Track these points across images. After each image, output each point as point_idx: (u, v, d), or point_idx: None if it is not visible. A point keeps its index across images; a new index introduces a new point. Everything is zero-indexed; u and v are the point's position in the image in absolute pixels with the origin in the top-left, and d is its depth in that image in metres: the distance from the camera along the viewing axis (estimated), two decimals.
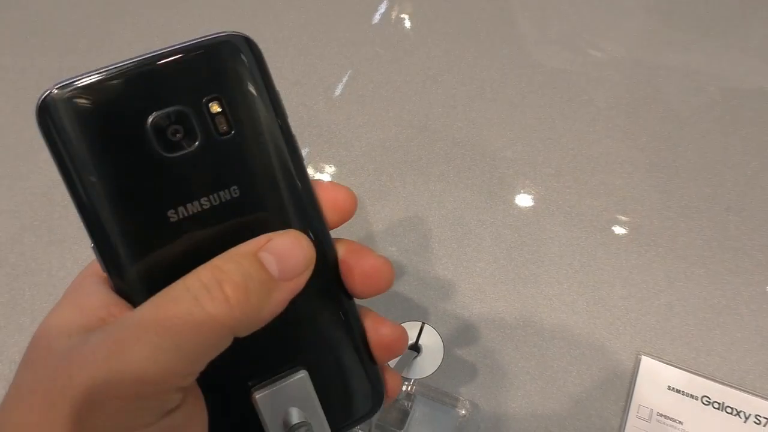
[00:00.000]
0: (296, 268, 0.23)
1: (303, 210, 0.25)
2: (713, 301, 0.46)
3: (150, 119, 0.22)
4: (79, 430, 0.18)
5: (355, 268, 0.26)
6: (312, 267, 0.24)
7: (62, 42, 0.66)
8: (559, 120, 0.57)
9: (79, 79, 0.21)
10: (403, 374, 0.41)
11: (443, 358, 0.39)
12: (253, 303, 0.21)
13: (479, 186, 0.53)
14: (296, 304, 0.25)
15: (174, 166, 0.23)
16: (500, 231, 0.50)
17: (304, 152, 0.53)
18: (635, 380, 0.43)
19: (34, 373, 0.20)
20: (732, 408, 0.41)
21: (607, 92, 0.60)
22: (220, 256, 0.22)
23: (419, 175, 0.53)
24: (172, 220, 0.23)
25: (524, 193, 0.52)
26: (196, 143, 0.23)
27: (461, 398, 0.40)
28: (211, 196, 0.23)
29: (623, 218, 0.51)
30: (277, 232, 0.24)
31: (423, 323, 0.40)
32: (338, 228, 0.27)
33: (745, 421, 0.41)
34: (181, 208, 0.23)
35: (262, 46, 0.23)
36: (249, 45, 0.23)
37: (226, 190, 0.23)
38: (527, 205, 0.52)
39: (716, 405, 0.41)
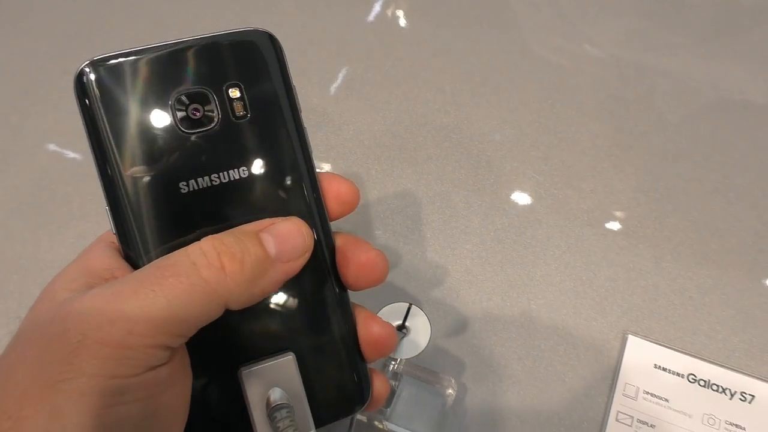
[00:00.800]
0: (294, 252, 0.24)
1: (307, 198, 0.26)
2: (699, 280, 0.46)
3: (174, 96, 0.24)
4: (68, 371, 0.19)
5: (351, 259, 0.27)
6: (309, 253, 0.25)
7: (62, 42, 0.66)
8: (547, 104, 0.57)
9: (114, 55, 0.24)
10: (390, 354, 0.41)
11: (430, 338, 0.39)
12: (247, 277, 0.22)
13: (467, 169, 0.53)
14: (291, 289, 0.27)
15: (192, 142, 0.25)
16: (488, 213, 0.50)
17: None
18: (622, 359, 0.43)
19: (35, 319, 0.22)
20: (718, 385, 0.41)
21: (596, 77, 0.60)
22: (224, 232, 0.23)
23: (406, 158, 0.53)
24: (183, 191, 0.24)
25: (512, 176, 0.52)
26: (214, 123, 0.25)
27: (448, 378, 0.40)
28: (221, 174, 0.25)
29: (610, 200, 0.51)
30: (281, 218, 0.25)
31: (410, 304, 0.40)
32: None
33: (730, 398, 0.41)
34: (192, 181, 0.24)
35: None
36: (272, 41, 0.26)
37: (236, 170, 0.25)
38: (515, 188, 0.52)
39: (702, 382, 0.41)
